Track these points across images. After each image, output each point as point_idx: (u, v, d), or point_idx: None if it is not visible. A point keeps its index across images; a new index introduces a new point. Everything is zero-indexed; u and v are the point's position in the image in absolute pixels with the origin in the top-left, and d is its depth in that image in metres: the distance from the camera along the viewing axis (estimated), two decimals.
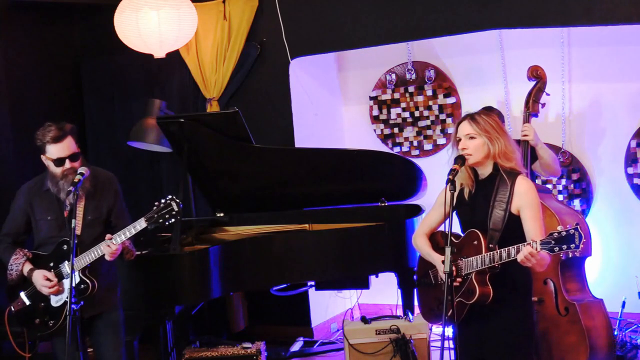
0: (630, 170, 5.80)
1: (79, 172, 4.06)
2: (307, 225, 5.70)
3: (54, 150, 4.06)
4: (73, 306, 3.86)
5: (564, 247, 3.31)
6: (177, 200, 3.97)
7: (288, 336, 6.35)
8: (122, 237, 4.00)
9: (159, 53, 5.90)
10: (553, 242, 3.33)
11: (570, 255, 3.34)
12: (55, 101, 6.81)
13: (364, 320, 5.28)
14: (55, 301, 4.13)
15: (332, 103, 6.97)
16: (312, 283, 5.99)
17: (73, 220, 3.90)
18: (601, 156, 5.97)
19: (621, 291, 5.50)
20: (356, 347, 5.20)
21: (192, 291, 4.96)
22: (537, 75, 5.02)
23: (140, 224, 3.97)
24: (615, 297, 5.31)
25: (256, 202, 5.87)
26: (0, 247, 4.27)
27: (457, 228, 3.82)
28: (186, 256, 4.94)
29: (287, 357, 6.00)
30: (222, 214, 5.80)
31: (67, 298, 4.00)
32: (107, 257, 4.02)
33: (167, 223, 3.98)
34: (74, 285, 3.93)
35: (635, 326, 5.59)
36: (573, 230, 3.29)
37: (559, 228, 3.34)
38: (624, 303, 5.38)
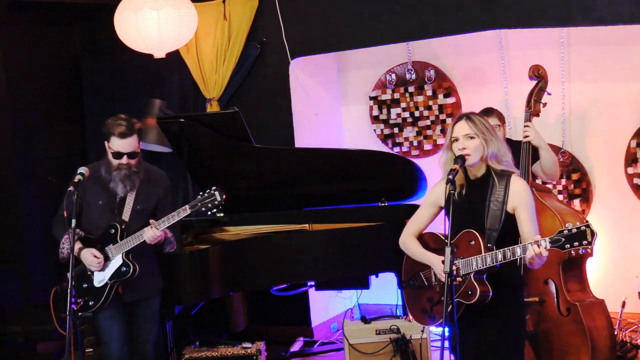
0: (630, 170, 5.80)
1: (79, 172, 4.17)
2: (307, 225, 5.70)
3: (117, 144, 4.30)
4: (73, 306, 3.91)
5: (576, 244, 3.30)
6: (221, 191, 4.16)
7: (288, 336, 6.35)
8: (165, 222, 4.22)
9: (159, 53, 5.89)
10: (564, 239, 3.32)
11: (581, 252, 3.33)
12: (55, 101, 6.81)
13: (364, 320, 5.29)
14: (98, 282, 4.31)
15: (332, 103, 6.97)
16: (312, 283, 5.99)
17: (73, 220, 3.96)
18: (601, 156, 5.97)
19: (621, 291, 5.50)
20: (356, 347, 5.20)
21: (192, 291, 4.97)
22: (538, 75, 5.01)
23: (185, 210, 4.18)
24: (615, 297, 5.31)
25: (256, 202, 5.86)
26: (56, 226, 4.45)
27: (440, 228, 3.82)
28: (186, 256, 4.94)
29: (287, 357, 6.00)
30: (222, 214, 5.79)
31: (108, 280, 4.27)
32: (147, 240, 4.22)
33: (209, 212, 4.18)
34: (115, 267, 4.26)
35: (635, 326, 5.59)
36: (585, 227, 3.28)
37: (569, 225, 3.32)
38: (624, 303, 5.38)
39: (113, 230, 4.30)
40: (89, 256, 4.27)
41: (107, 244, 4.31)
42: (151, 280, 4.50)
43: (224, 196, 4.16)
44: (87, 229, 4.39)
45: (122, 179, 4.31)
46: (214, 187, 4.17)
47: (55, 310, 4.46)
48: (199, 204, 4.16)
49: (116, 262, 4.28)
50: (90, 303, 4.28)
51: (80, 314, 4.23)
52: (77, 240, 4.30)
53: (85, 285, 4.31)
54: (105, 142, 4.37)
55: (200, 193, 4.18)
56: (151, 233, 4.20)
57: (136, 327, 4.50)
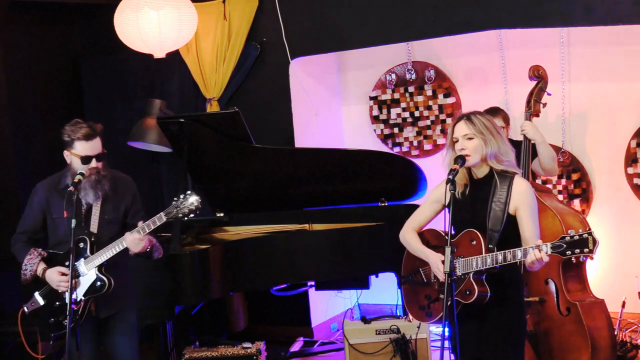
0: (630, 170, 5.80)
1: (79, 172, 4.06)
2: (307, 225, 5.70)
3: (83, 148, 4.04)
4: (73, 306, 3.86)
5: (577, 251, 3.30)
6: (196, 195, 3.97)
7: (288, 336, 6.35)
8: (140, 232, 3.98)
9: (159, 53, 5.90)
10: (565, 245, 3.32)
11: (581, 260, 3.32)
12: (55, 101, 6.81)
13: (364, 320, 5.28)
14: None
15: (332, 103, 6.97)
16: (312, 283, 5.99)
17: (73, 220, 3.89)
18: (601, 156, 5.97)
19: (621, 291, 5.50)
20: (356, 347, 5.20)
21: (192, 291, 4.96)
22: (538, 75, 5.01)
23: (160, 218, 3.96)
24: (615, 297, 5.31)
25: (256, 202, 5.86)
26: (16, 247, 4.23)
27: (439, 226, 3.81)
28: (186, 256, 4.94)
29: (287, 357, 6.00)
30: (222, 214, 5.80)
31: (82, 296, 4.01)
32: (131, 248, 3.98)
33: (185, 218, 3.99)
34: (89, 283, 4.00)
35: (636, 326, 5.59)
36: (587, 235, 3.28)
37: (571, 232, 3.32)
38: (624, 303, 5.38)
39: (82, 244, 4.03)
40: (56, 275, 4.04)
41: (77, 259, 4.02)
42: (126, 293, 4.25)
43: (200, 200, 3.98)
44: (53, 245, 4.17)
45: (92, 185, 4.05)
46: (188, 192, 3.96)
47: (24, 332, 4.21)
48: (175, 210, 3.93)
49: (89, 277, 4.02)
50: (65, 322, 3.98)
51: (53, 334, 4.10)
52: (40, 261, 4.11)
53: (57, 304, 4.07)
54: (66, 151, 4.09)
55: (175, 199, 3.96)
56: (131, 238, 3.94)
57: (113, 343, 4.25)
